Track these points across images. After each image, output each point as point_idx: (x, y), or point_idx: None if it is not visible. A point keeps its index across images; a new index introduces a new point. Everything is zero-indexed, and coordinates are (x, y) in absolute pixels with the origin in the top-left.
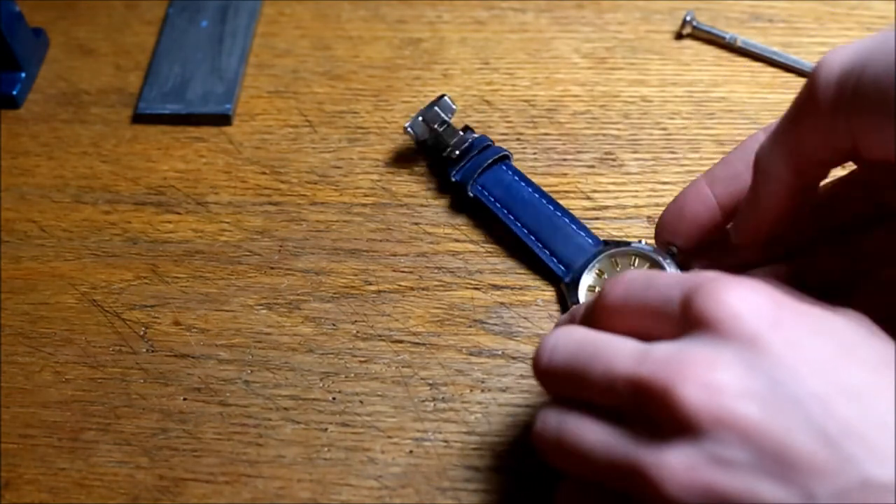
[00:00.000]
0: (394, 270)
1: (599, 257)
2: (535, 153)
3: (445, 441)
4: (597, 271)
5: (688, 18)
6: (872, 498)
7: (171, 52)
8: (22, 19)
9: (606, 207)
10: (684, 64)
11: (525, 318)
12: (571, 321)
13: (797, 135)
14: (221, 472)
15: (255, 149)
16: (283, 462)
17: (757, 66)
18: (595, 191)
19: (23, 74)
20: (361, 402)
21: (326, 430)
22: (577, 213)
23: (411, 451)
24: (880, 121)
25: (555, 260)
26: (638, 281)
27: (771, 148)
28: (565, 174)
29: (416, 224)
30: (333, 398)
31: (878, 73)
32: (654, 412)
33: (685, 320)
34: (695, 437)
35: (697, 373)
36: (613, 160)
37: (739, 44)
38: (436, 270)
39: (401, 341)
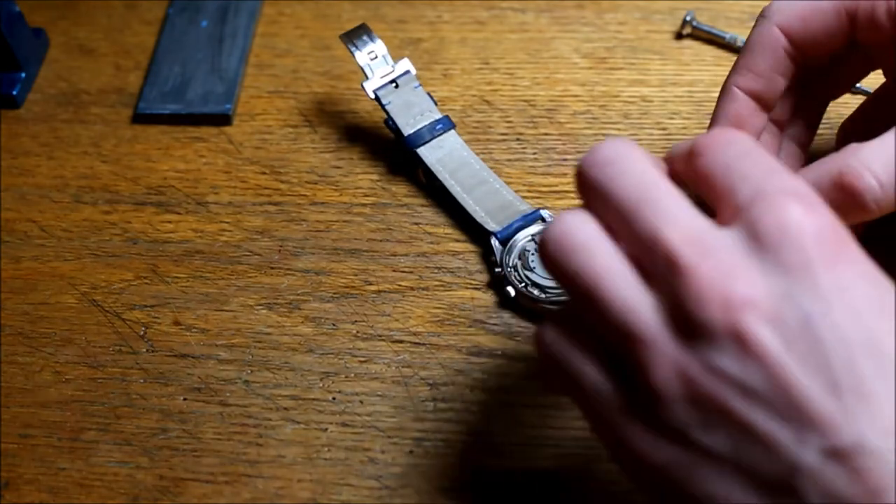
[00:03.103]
0: (394, 270)
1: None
2: (535, 153)
3: (445, 441)
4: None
5: (688, 18)
6: (859, 462)
7: (171, 52)
8: (22, 19)
9: None
10: (684, 64)
11: (525, 318)
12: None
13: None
14: (221, 472)
15: (255, 149)
16: (283, 462)
17: None
18: None
19: (23, 74)
20: (361, 402)
21: (326, 430)
22: None
23: (411, 451)
24: None
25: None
26: (734, 149)
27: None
28: (565, 174)
29: (416, 224)
30: (333, 398)
31: None
32: (678, 302)
33: (746, 217)
34: (704, 342)
35: (735, 287)
36: None
37: (739, 44)
38: (436, 270)
39: (401, 341)
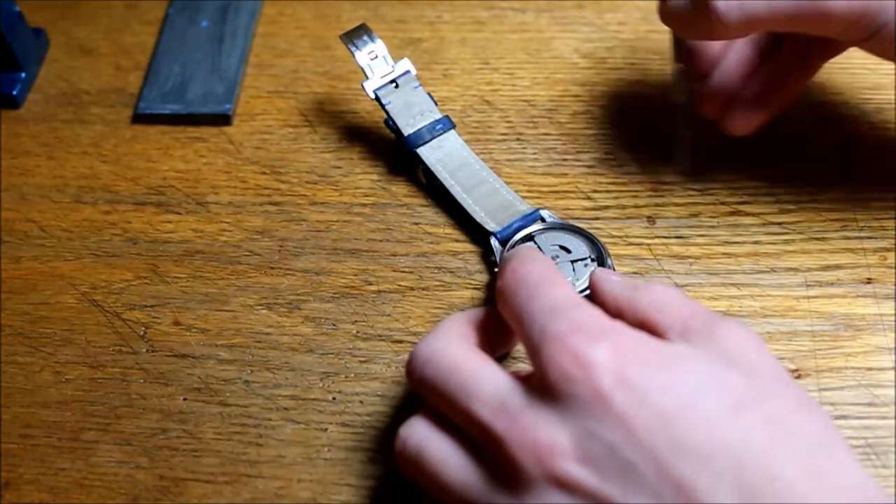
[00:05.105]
0: (394, 270)
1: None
2: (535, 153)
3: None
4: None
5: None
6: None
7: (171, 52)
8: (22, 19)
9: (606, 207)
10: None
11: None
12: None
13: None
14: (221, 472)
15: (255, 149)
16: (283, 462)
17: None
18: (595, 191)
19: (23, 74)
20: (361, 402)
21: (326, 430)
22: (576, 213)
23: None
24: None
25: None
26: (522, 291)
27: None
28: (565, 174)
29: (416, 224)
30: (333, 398)
31: None
32: (505, 463)
33: (536, 365)
34: (534, 493)
35: (541, 440)
36: (613, 160)
37: None
38: (436, 270)
39: (401, 341)
